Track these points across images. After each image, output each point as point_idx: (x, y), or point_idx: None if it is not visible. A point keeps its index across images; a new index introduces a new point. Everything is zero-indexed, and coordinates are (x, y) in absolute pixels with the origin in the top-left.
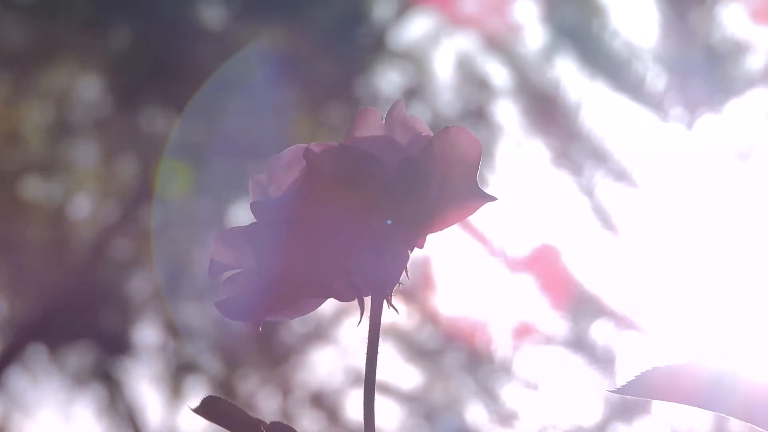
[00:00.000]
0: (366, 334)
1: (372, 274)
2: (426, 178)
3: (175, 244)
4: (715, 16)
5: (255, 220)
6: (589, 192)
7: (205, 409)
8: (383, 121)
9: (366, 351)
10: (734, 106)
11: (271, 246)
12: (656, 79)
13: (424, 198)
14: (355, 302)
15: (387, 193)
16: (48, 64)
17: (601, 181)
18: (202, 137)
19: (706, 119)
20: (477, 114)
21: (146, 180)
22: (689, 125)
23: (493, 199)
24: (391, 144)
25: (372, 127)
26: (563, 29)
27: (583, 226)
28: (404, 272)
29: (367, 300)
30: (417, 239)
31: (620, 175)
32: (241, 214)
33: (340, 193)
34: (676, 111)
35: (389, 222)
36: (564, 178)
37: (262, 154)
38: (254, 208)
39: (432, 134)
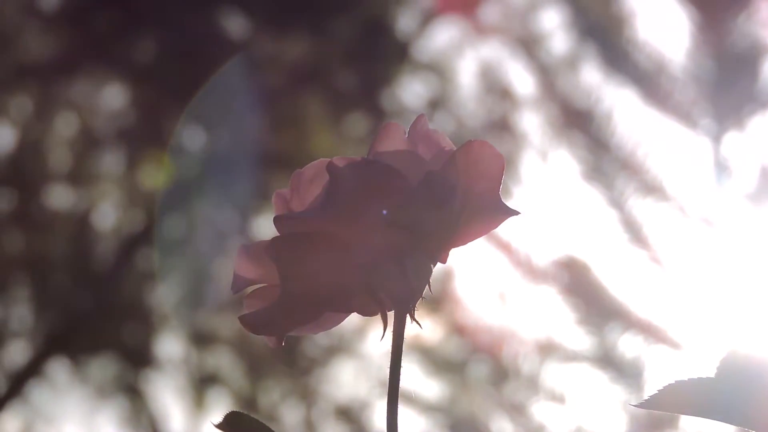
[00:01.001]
0: (389, 348)
1: (395, 288)
2: (449, 193)
3: (198, 255)
4: (746, 26)
5: (278, 234)
6: (618, 204)
7: (228, 425)
8: (406, 136)
9: (389, 365)
10: (764, 118)
11: (294, 260)
12: (685, 90)
13: (447, 212)
14: (379, 316)
15: (410, 207)
16: (69, 74)
17: (631, 194)
18: (222, 148)
19: (736, 131)
20: (502, 125)
21: (169, 191)
22: (718, 137)
23: (516, 213)
24: (414, 158)
25: (395, 141)
26: (590, 38)
27: (611, 239)
28: (427, 286)
29: (390, 314)
30: (440, 253)
31: (650, 188)
32: (264, 227)
33: (363, 208)
34: (705, 123)
35: (412, 236)
36: (592, 191)
37: (283, 167)
38: (277, 221)
39: (455, 148)
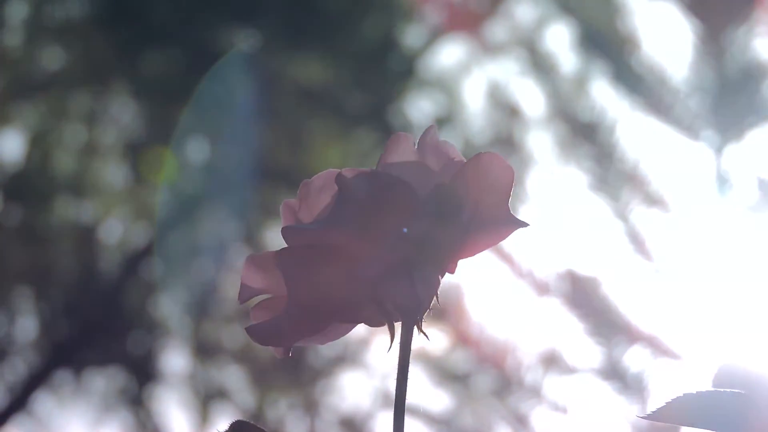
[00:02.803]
0: (396, 359)
1: (403, 300)
2: (458, 204)
3: (204, 267)
4: (750, 38)
5: (286, 245)
6: (623, 217)
7: None
8: (416, 147)
9: (396, 376)
10: (766, 129)
11: (302, 271)
12: (688, 101)
13: (456, 224)
14: (385, 326)
15: (419, 218)
16: (77, 87)
17: (635, 206)
18: (232, 162)
19: (739, 143)
20: (507, 139)
21: (175, 204)
22: (720, 149)
23: (525, 225)
24: (423, 170)
25: (404, 152)
26: (595, 52)
27: (616, 251)
28: (435, 298)
29: (398, 325)
30: (448, 265)
31: (653, 200)
32: (270, 241)
33: (371, 219)
34: (708, 134)
35: (420, 248)
36: (597, 202)
37: (292, 180)
38: (285, 232)
39: (464, 160)
